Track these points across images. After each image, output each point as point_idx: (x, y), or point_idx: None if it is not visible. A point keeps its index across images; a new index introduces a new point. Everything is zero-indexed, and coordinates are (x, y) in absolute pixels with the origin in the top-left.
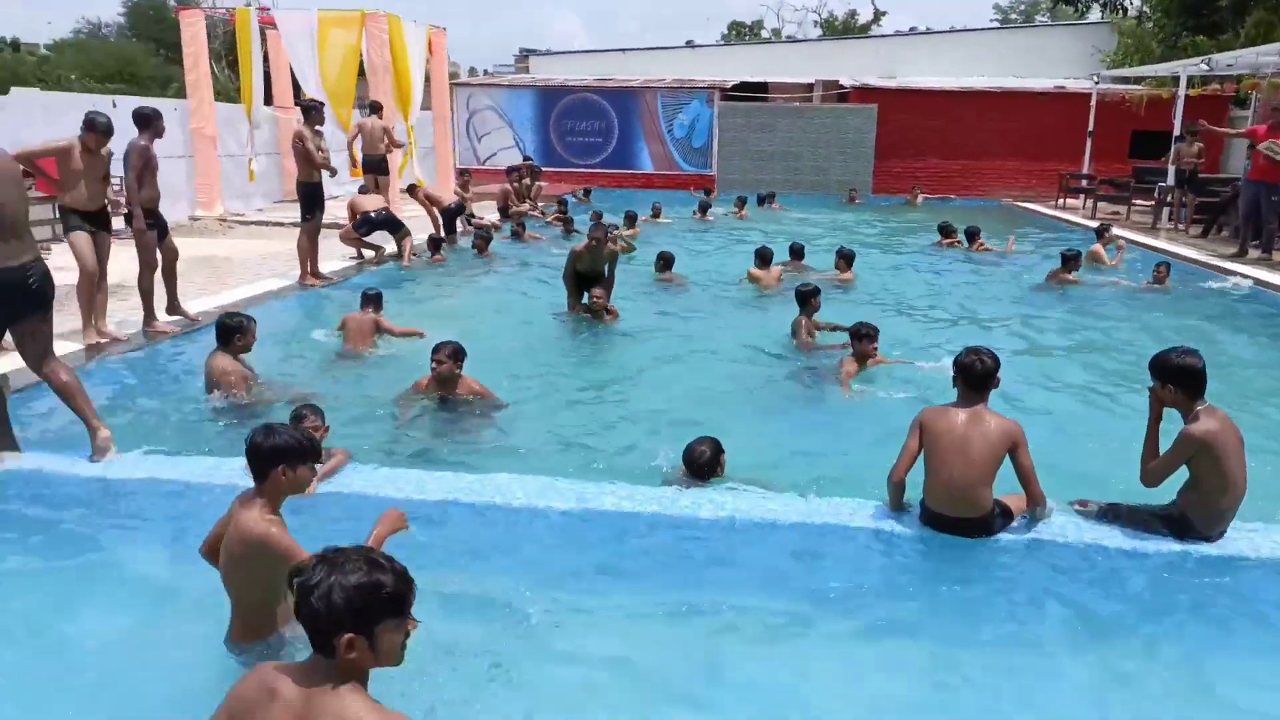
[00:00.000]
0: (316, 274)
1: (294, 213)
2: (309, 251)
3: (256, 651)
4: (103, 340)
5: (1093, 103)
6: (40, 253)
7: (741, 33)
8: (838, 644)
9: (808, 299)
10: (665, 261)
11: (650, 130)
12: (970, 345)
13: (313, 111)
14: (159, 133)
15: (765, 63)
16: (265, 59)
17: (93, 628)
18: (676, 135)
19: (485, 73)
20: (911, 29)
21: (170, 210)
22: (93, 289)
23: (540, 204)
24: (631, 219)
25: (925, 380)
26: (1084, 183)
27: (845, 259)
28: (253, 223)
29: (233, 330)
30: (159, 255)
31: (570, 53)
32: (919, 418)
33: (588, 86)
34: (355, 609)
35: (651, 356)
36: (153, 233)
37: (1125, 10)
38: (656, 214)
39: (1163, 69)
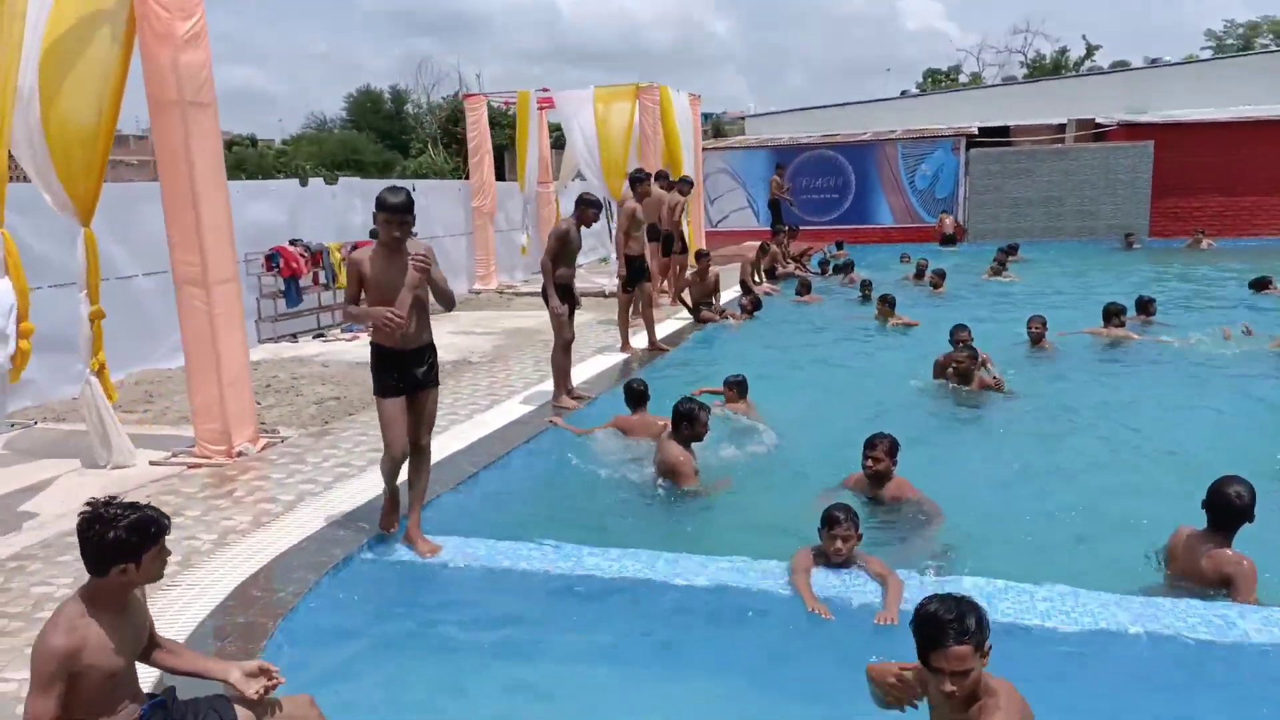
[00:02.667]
0: (655, 344)
1: None
2: (626, 322)
3: None
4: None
5: None
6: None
7: (938, 80)
8: None
9: None
10: (1042, 322)
11: (889, 183)
12: None
13: (640, 184)
14: (584, 220)
15: (984, 106)
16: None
17: None
18: (919, 186)
19: None
20: (1152, 60)
21: (450, 285)
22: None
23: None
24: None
25: None
26: None
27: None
28: (527, 294)
29: (681, 417)
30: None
31: (787, 111)
32: None
33: (824, 142)
34: None
35: (1055, 432)
36: (565, 306)
37: None
38: (920, 273)
39: None
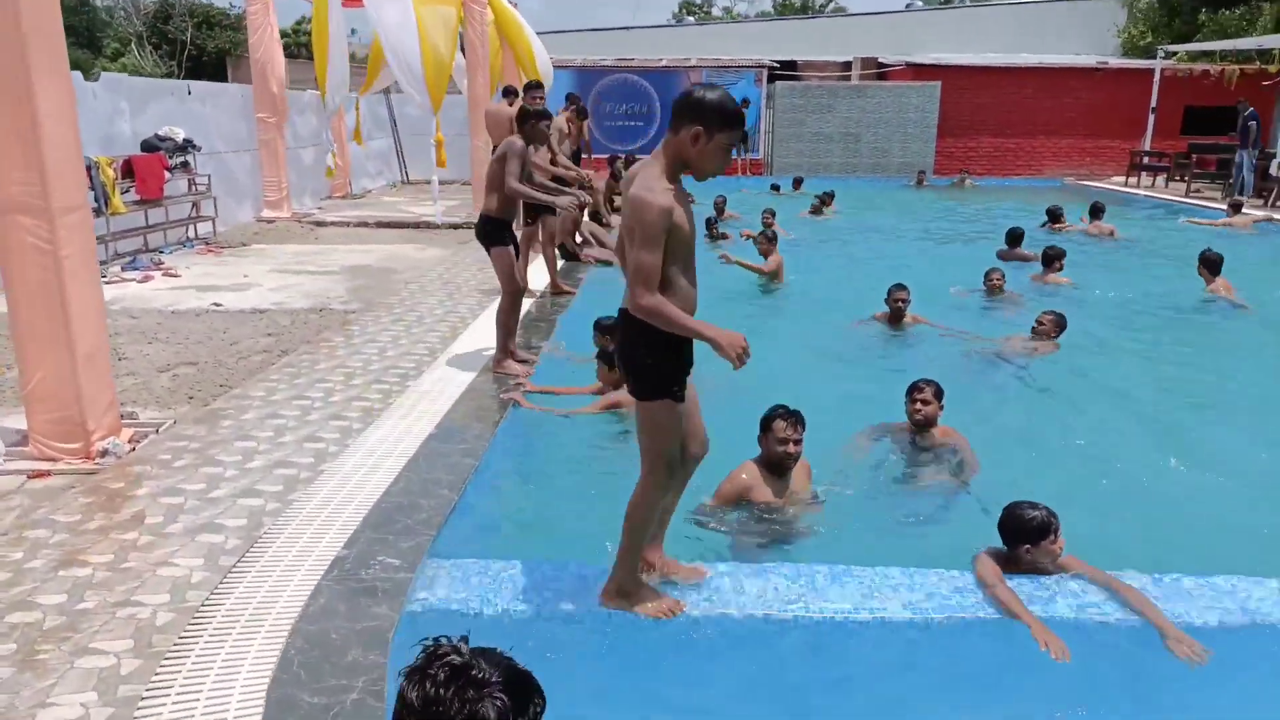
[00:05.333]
0: (559, 286)
1: (363, 212)
2: (525, 259)
3: None
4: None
5: (1156, 79)
6: None
7: (692, 12)
8: None
9: None
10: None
11: None
12: None
13: (530, 95)
14: (529, 137)
15: (756, 41)
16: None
17: None
18: None
19: None
20: (908, 5)
21: (235, 212)
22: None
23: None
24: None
25: None
26: (1158, 159)
27: (1209, 265)
28: (332, 224)
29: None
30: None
31: (575, 31)
32: None
33: (627, 66)
34: None
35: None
36: (512, 249)
37: None
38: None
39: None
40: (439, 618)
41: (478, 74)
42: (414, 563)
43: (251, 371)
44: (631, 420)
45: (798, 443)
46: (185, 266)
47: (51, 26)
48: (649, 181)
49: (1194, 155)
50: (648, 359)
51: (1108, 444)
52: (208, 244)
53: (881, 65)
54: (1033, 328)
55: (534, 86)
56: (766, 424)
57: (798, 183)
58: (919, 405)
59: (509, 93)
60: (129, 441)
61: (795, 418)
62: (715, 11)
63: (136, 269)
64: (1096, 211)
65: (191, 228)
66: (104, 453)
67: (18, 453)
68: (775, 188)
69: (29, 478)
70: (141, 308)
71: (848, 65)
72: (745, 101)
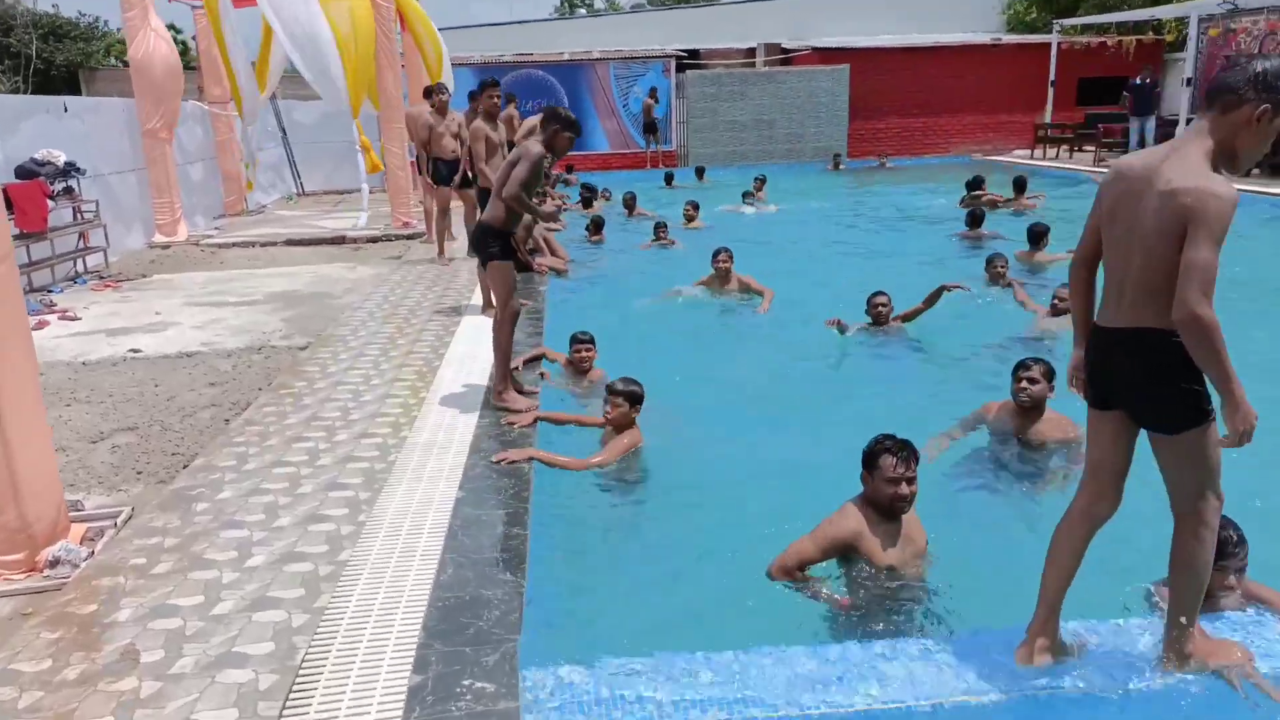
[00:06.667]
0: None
1: (266, 229)
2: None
3: None
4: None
5: (1054, 53)
6: None
7: (575, 6)
8: None
9: None
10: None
11: (603, 106)
12: None
13: (489, 90)
14: (556, 145)
15: (636, 30)
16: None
17: None
18: (633, 110)
19: None
20: None
21: (124, 239)
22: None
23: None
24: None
25: None
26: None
27: None
28: (236, 245)
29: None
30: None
31: (473, 26)
32: None
33: (531, 61)
34: None
35: None
36: (509, 265)
37: None
38: (691, 219)
39: (1172, 10)
40: None
41: (388, 73)
42: (510, 682)
43: (204, 432)
44: (651, 459)
45: (911, 481)
46: (83, 306)
47: None
48: (1198, 169)
49: (1099, 125)
50: (1194, 384)
51: None
52: (103, 278)
53: (786, 50)
54: (1053, 305)
55: (490, 85)
56: (871, 460)
57: (700, 173)
58: (1025, 384)
59: (430, 93)
60: (83, 543)
61: (906, 451)
62: (598, 4)
63: (28, 313)
64: (1020, 186)
65: (80, 261)
66: (55, 562)
67: None
68: (669, 178)
69: None
70: (45, 360)
71: (751, 51)
72: (654, 91)
